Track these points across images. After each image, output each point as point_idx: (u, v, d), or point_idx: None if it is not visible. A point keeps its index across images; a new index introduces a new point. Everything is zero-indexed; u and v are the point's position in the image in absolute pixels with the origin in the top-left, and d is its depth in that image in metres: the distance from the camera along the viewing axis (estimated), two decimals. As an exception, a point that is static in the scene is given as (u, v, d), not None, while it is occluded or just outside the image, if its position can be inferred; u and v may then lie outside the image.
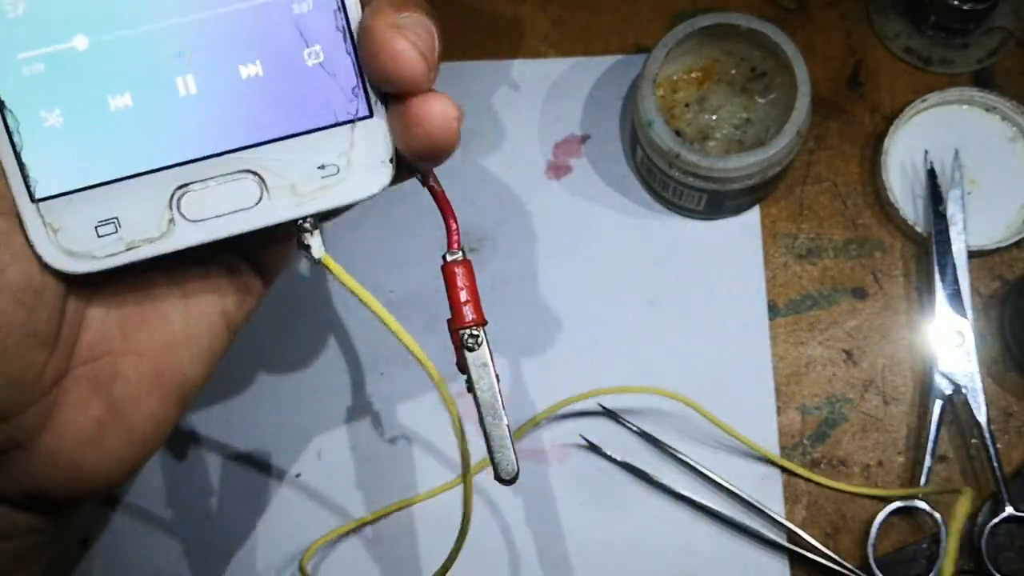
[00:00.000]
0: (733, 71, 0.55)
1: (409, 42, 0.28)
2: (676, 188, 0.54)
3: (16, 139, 0.28)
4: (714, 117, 0.55)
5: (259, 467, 0.54)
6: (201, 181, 0.29)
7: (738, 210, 0.56)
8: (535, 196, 0.58)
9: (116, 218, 0.29)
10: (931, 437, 0.52)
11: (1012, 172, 0.56)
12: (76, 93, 0.28)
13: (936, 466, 0.53)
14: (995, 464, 0.51)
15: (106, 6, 0.28)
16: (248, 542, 0.54)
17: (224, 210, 0.30)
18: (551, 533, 0.53)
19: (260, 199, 0.30)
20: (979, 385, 0.52)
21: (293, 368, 0.56)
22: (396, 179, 0.31)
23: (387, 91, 0.30)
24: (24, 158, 0.28)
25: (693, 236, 0.57)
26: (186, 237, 0.29)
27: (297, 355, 0.56)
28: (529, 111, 0.59)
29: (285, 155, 0.30)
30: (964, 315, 0.53)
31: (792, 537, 0.52)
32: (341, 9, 0.29)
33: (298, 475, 0.54)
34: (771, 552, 0.52)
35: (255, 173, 0.29)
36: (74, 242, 0.29)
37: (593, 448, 0.53)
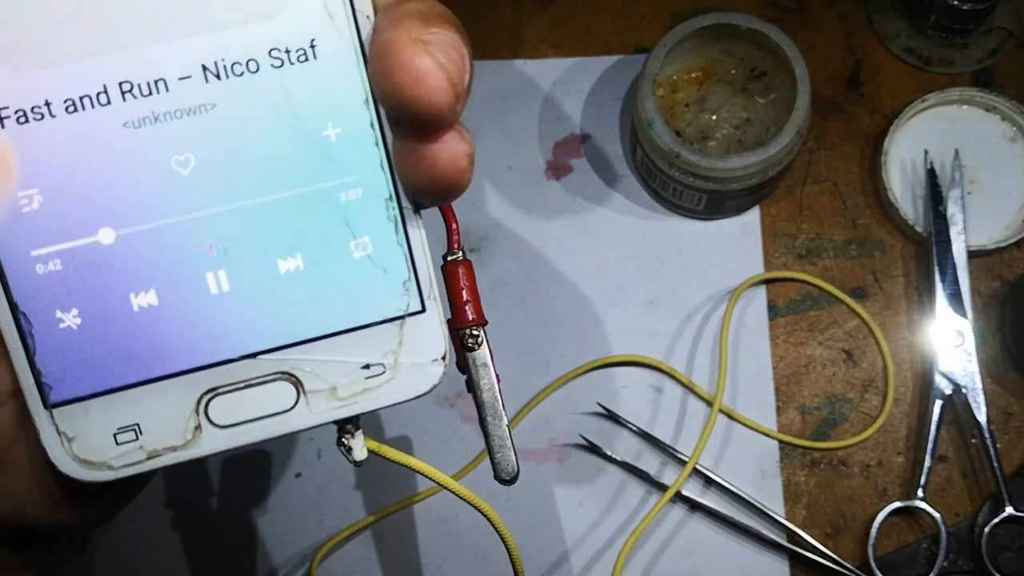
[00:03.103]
0: (733, 71, 0.55)
1: (436, 62, 0.23)
2: (676, 188, 0.54)
3: (29, 343, 0.25)
4: (714, 117, 0.55)
5: (259, 467, 0.54)
6: (231, 385, 0.26)
7: (738, 210, 0.56)
8: (535, 196, 0.58)
9: (137, 425, 0.26)
10: (931, 437, 0.52)
11: (1012, 172, 0.56)
12: (97, 291, 0.26)
13: (936, 466, 0.53)
14: (995, 464, 0.51)
15: (135, 196, 0.25)
16: (248, 542, 0.54)
17: (256, 415, 0.27)
18: (551, 533, 0.53)
19: (296, 403, 0.27)
20: (979, 385, 0.52)
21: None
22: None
23: (399, 119, 0.25)
24: (38, 362, 0.26)
25: (693, 236, 0.57)
26: (213, 444, 0.27)
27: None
28: (529, 111, 0.59)
29: (326, 356, 0.27)
30: (964, 315, 0.53)
31: (792, 537, 0.52)
32: (393, 197, 0.26)
33: (298, 475, 0.54)
34: (771, 552, 0.52)
35: (292, 375, 0.27)
36: (90, 451, 0.26)
37: (593, 448, 0.53)
